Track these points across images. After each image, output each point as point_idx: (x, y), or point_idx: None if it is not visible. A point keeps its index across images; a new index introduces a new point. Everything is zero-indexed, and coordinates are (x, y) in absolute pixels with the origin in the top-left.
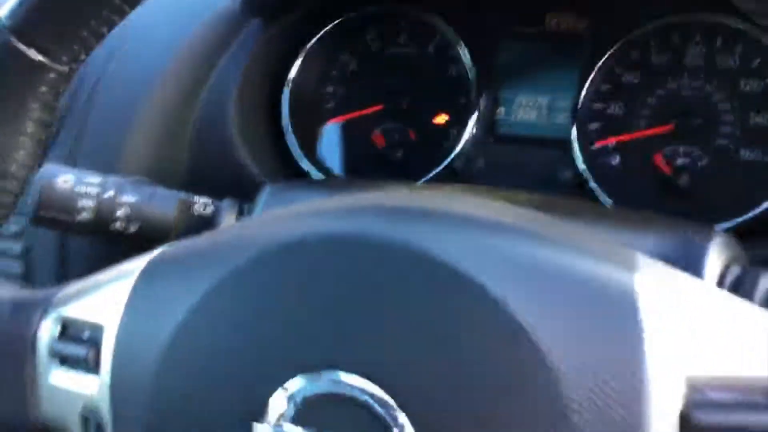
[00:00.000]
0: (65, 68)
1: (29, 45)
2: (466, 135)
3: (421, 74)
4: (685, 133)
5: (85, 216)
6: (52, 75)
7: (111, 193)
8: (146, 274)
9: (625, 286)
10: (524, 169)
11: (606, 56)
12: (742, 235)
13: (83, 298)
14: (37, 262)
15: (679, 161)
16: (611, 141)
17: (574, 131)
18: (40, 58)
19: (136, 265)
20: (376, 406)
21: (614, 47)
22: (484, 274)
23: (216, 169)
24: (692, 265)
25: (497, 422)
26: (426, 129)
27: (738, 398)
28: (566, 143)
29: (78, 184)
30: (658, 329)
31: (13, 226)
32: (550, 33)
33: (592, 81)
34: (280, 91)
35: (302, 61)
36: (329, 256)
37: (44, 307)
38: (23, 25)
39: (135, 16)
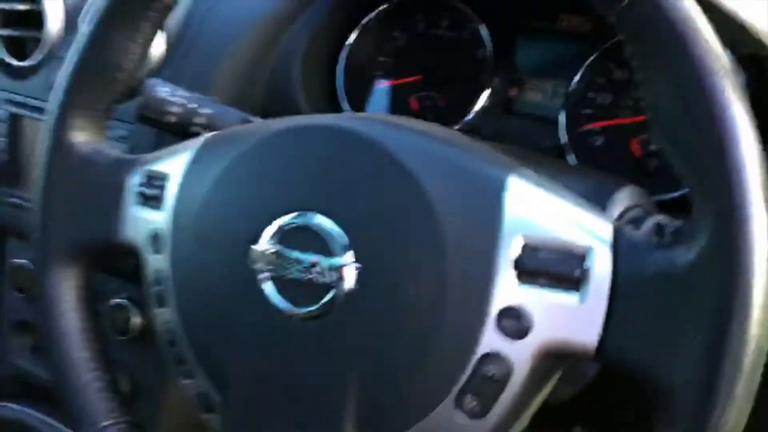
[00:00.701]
0: (170, 1)
1: None
2: (479, 107)
3: (453, 54)
4: None
5: (172, 119)
6: (156, 4)
7: (194, 105)
8: (203, 144)
9: (500, 172)
10: (520, 141)
11: (601, 53)
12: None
13: (162, 160)
14: None
15: (651, 147)
16: (597, 125)
17: (563, 113)
18: None
19: (197, 140)
20: (329, 233)
21: (608, 45)
22: (414, 162)
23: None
24: (600, 203)
25: (396, 240)
26: (452, 98)
27: (553, 255)
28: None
29: (171, 95)
30: (515, 203)
31: (120, 130)
32: (560, 29)
33: (586, 73)
34: (338, 58)
35: (359, 34)
36: (307, 139)
37: (135, 163)
38: None
39: None
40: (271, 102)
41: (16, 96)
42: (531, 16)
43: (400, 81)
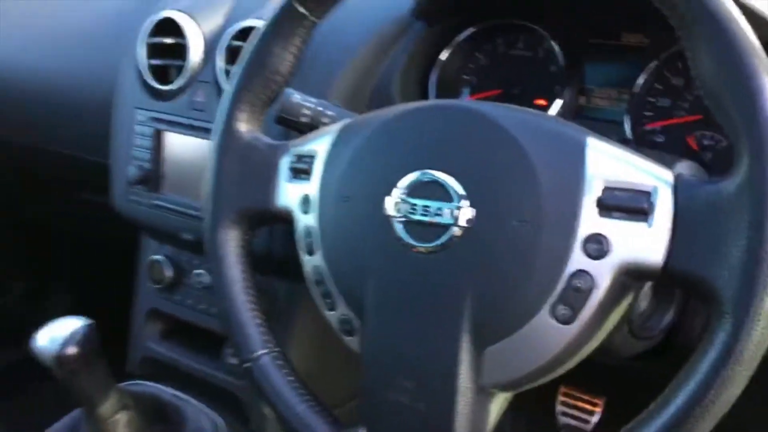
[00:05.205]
0: (315, 20)
1: (300, 4)
2: (554, 114)
3: (530, 70)
4: (711, 122)
5: (304, 119)
6: (306, 22)
7: (321, 108)
8: (341, 128)
9: (581, 134)
10: None
11: (659, 63)
12: None
13: (309, 142)
14: None
15: (705, 142)
16: (658, 125)
17: (627, 116)
18: (303, 11)
19: (337, 125)
20: (449, 184)
21: (665, 57)
22: (515, 129)
23: None
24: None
25: (503, 188)
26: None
27: (626, 194)
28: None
29: (303, 100)
30: (594, 157)
31: None
32: (623, 46)
33: (647, 80)
34: (430, 74)
35: (450, 53)
36: (433, 115)
37: (286, 146)
38: None
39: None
40: (374, 109)
41: (161, 114)
42: (597, 35)
43: (483, 94)
